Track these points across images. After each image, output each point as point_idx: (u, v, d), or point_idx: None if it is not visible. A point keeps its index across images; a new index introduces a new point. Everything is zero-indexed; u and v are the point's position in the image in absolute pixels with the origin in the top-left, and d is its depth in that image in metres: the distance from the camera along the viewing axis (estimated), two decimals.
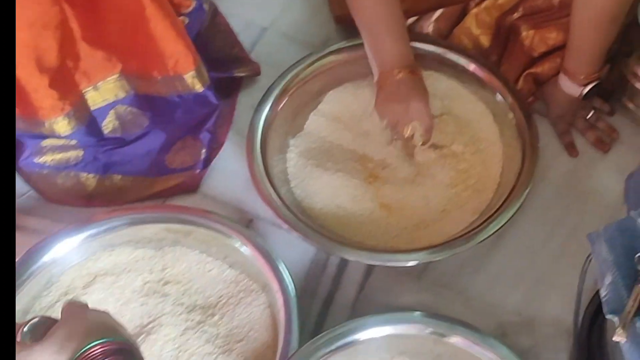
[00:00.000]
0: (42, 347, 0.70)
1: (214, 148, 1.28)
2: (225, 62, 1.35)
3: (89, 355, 0.70)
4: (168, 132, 1.27)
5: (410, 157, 1.19)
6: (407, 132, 1.14)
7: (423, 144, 1.16)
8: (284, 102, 1.23)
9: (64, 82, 1.18)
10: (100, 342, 0.71)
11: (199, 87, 1.24)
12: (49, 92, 1.17)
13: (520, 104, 1.19)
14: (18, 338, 0.74)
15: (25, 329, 0.74)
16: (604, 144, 1.23)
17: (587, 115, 1.24)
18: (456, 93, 1.25)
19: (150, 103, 1.26)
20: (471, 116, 1.24)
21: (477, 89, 1.24)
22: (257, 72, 1.36)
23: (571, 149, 1.24)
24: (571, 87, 1.20)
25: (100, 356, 0.70)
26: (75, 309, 0.75)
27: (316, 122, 1.26)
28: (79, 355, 0.70)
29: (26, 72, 1.14)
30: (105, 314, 0.77)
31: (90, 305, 0.80)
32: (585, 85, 1.18)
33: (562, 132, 1.24)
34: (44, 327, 0.73)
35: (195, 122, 1.26)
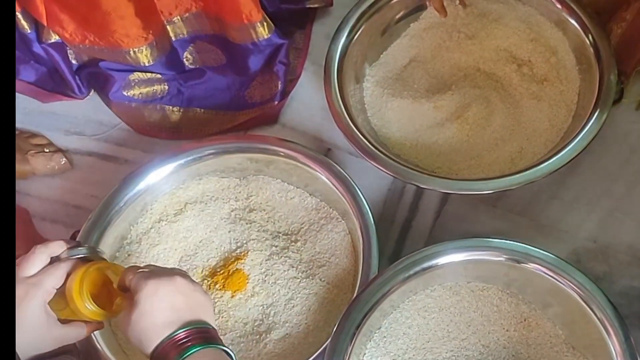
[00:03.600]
0: (158, 305, 0.76)
1: (290, 80, 1.30)
2: None
3: (196, 333, 0.76)
4: (244, 74, 1.30)
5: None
6: None
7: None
8: (360, 31, 1.24)
9: (148, 12, 1.21)
10: (202, 327, 0.77)
11: (267, 34, 1.25)
12: (134, 20, 1.20)
13: (596, 31, 1.17)
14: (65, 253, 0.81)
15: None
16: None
17: None
18: (534, 20, 1.24)
19: (227, 46, 1.28)
20: (551, 42, 1.23)
21: (552, 15, 1.23)
22: (329, 3, 1.37)
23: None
24: None
25: (197, 339, 0.75)
26: (191, 285, 0.80)
27: (393, 52, 1.27)
28: (186, 330, 0.76)
29: (115, 1, 1.17)
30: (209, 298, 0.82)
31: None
32: None
33: None
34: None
35: (268, 58, 1.29)
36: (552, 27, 1.23)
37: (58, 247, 0.82)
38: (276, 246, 1.11)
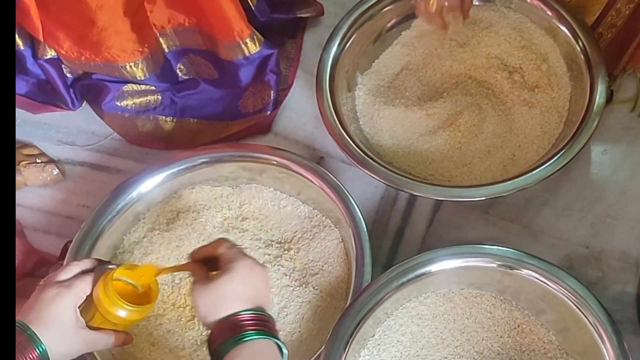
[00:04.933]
0: (249, 280, 0.81)
1: (282, 89, 1.31)
2: (288, 3, 1.36)
3: (260, 319, 0.79)
4: (236, 86, 1.30)
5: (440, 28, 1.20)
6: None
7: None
8: (352, 39, 1.24)
9: (143, 26, 1.22)
10: (267, 315, 0.81)
11: (257, 48, 1.25)
12: (130, 35, 1.21)
13: (587, 37, 1.18)
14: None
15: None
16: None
17: None
18: (525, 27, 1.25)
19: (218, 61, 1.28)
20: (542, 49, 1.23)
21: (543, 22, 1.23)
22: (320, 13, 1.37)
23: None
24: None
25: (258, 326, 0.79)
26: (259, 268, 0.83)
27: (385, 61, 1.27)
28: (255, 313, 0.79)
29: (112, 15, 1.17)
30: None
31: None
32: None
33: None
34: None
35: (258, 68, 1.29)
36: (542, 34, 1.24)
37: (90, 263, 0.87)
38: (269, 254, 1.11)
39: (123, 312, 0.82)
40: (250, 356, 0.77)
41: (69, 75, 1.30)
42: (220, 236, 1.11)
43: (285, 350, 0.80)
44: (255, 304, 0.80)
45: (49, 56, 1.25)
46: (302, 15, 1.36)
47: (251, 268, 0.82)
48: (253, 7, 1.28)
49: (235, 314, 0.79)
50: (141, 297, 0.85)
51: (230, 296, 0.80)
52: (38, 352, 0.77)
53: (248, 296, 0.80)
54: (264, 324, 0.79)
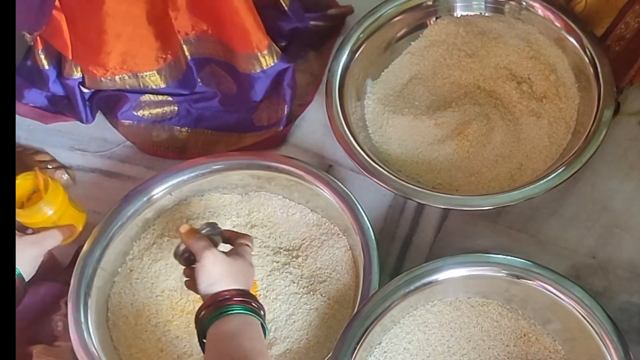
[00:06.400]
0: (237, 265, 0.94)
1: (300, 104, 1.31)
2: (319, 3, 1.38)
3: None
4: (252, 101, 1.31)
5: None
6: None
7: None
8: (362, 48, 1.25)
9: (166, 33, 1.23)
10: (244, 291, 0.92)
11: (273, 61, 1.26)
12: (154, 43, 1.22)
13: (595, 48, 1.19)
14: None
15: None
16: None
17: None
18: (533, 38, 1.26)
19: (236, 75, 1.29)
20: (550, 60, 1.24)
21: (551, 33, 1.24)
22: (350, 10, 1.38)
23: None
24: None
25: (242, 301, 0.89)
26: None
27: (394, 70, 1.28)
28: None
29: (136, 26, 1.19)
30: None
31: None
32: None
33: None
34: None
35: (274, 82, 1.29)
36: (551, 45, 1.25)
37: None
38: (277, 262, 1.12)
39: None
40: (232, 328, 0.84)
41: (86, 90, 1.31)
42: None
43: (266, 328, 0.88)
44: (241, 286, 0.91)
45: (75, 77, 1.26)
46: (332, 13, 1.37)
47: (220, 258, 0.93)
48: (287, 8, 1.29)
49: (220, 292, 0.89)
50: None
51: (215, 277, 0.91)
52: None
53: (233, 279, 0.91)
54: (245, 301, 0.88)
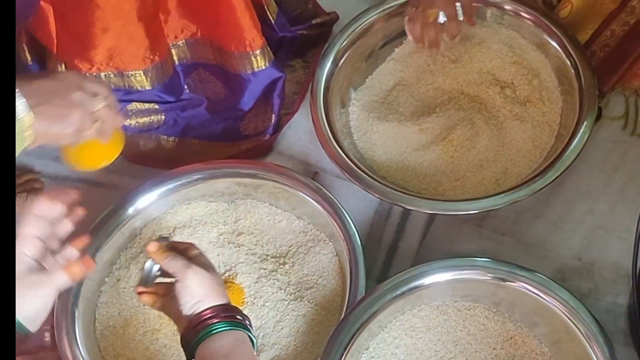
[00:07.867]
0: (214, 279, 0.89)
1: (285, 114, 1.31)
2: (304, 16, 1.39)
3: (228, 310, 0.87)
4: (241, 108, 1.31)
5: (431, 46, 1.22)
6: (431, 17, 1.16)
7: (454, 37, 1.20)
8: (346, 56, 1.26)
9: (156, 33, 1.22)
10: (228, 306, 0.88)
11: (265, 64, 1.26)
12: (143, 42, 1.21)
13: (577, 53, 1.20)
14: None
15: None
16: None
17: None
18: (516, 43, 1.27)
19: (227, 78, 1.29)
20: (533, 65, 1.25)
21: (534, 37, 1.25)
22: (335, 18, 1.39)
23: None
24: None
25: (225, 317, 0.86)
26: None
27: (378, 77, 1.29)
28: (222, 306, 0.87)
29: (126, 21, 1.18)
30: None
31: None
32: None
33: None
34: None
35: (265, 91, 1.29)
36: (534, 49, 1.26)
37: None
38: (264, 269, 1.12)
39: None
40: (224, 347, 0.82)
41: None
42: (216, 251, 1.13)
43: (255, 340, 0.85)
44: (223, 300, 0.87)
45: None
46: (317, 21, 1.38)
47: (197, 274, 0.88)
48: (273, 22, 1.30)
49: (204, 310, 0.85)
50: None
51: (200, 295, 0.86)
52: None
53: (216, 294, 0.87)
54: (231, 316, 0.85)
